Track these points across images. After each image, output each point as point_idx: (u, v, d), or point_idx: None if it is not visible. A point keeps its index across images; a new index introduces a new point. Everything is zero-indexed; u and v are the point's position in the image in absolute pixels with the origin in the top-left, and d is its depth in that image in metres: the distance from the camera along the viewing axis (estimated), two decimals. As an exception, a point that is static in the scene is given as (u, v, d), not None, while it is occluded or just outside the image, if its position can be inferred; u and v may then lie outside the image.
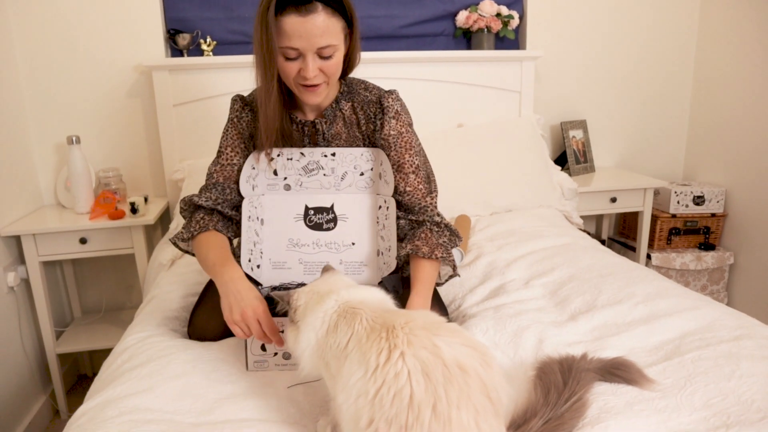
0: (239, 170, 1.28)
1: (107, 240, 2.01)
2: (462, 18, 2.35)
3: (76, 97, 2.18)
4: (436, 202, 1.28)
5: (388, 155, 1.26)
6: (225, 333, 1.28)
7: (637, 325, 1.20)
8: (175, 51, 2.25)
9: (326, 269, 1.05)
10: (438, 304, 1.33)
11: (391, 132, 1.25)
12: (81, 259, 2.31)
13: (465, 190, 2.09)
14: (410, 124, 1.29)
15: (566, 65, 2.57)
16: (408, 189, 1.25)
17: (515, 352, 1.16)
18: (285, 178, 1.29)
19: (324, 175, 1.28)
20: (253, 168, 1.28)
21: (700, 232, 2.56)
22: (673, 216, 2.53)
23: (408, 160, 1.25)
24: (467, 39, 2.46)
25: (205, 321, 1.29)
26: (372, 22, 2.34)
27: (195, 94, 2.16)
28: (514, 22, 2.37)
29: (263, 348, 1.13)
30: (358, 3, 2.30)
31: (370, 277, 1.26)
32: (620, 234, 2.79)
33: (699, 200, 2.52)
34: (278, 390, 1.06)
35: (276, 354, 1.13)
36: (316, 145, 1.30)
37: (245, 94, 1.33)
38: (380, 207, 1.28)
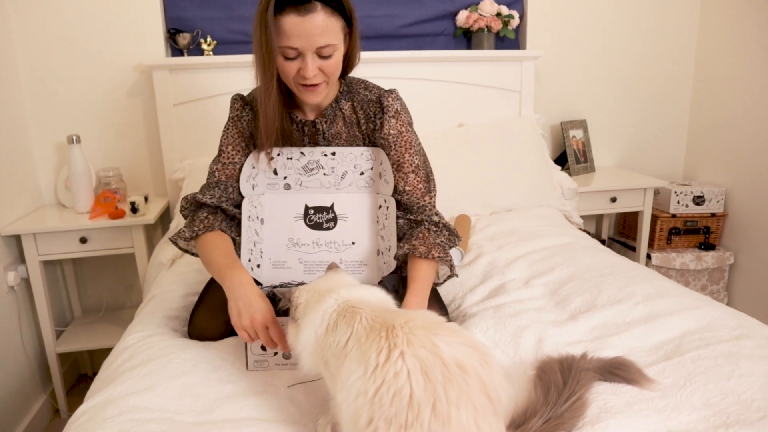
0: (241, 168, 1.28)
1: (107, 239, 2.01)
2: (462, 18, 2.35)
3: (76, 97, 2.18)
4: (434, 202, 1.28)
5: (387, 154, 1.26)
6: (225, 333, 1.28)
7: (637, 325, 1.20)
8: (176, 50, 2.25)
9: (331, 267, 1.05)
10: (438, 303, 1.33)
11: (391, 131, 1.25)
12: (81, 258, 2.31)
13: (465, 190, 2.09)
14: (410, 123, 1.29)
15: (566, 65, 2.57)
16: (407, 188, 1.25)
17: (515, 352, 1.16)
18: (285, 178, 1.29)
19: (324, 174, 1.28)
20: (253, 167, 1.28)
21: (700, 232, 2.56)
22: (673, 216, 2.53)
23: (407, 160, 1.25)
24: (467, 39, 2.46)
25: (205, 320, 1.29)
26: (372, 22, 2.34)
27: (195, 93, 2.16)
28: (515, 22, 2.37)
29: (263, 348, 1.13)
30: (358, 2, 2.30)
31: (370, 276, 1.27)
32: (620, 234, 2.79)
33: (699, 200, 2.52)
34: (278, 389, 1.06)
35: (276, 353, 1.14)
36: (316, 144, 1.30)
37: (245, 93, 1.33)
38: (380, 206, 1.28)
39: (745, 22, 2.42)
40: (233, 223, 1.29)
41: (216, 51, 2.23)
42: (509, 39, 2.46)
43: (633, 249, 2.58)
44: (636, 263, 1.58)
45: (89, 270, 2.35)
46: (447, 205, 2.00)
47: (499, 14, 2.34)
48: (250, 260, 1.25)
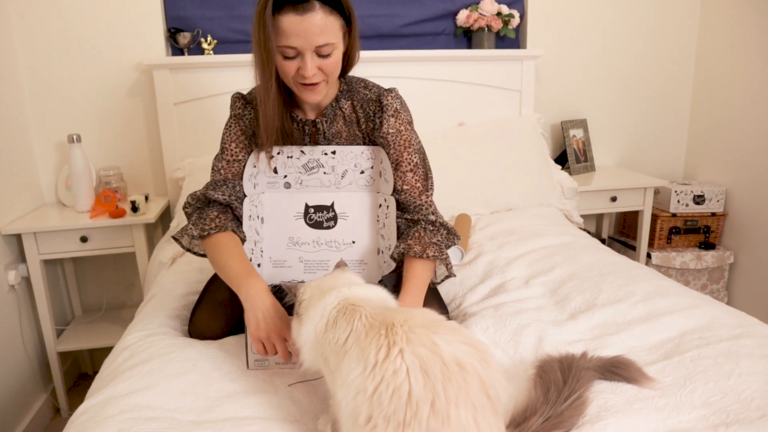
0: (244, 166, 1.28)
1: (108, 238, 2.01)
2: (462, 17, 2.35)
3: (77, 96, 2.18)
4: (432, 201, 1.27)
5: (387, 153, 1.26)
6: (225, 332, 1.28)
7: (637, 324, 1.20)
8: (176, 50, 2.25)
9: (338, 266, 1.06)
10: (438, 302, 1.33)
11: (390, 130, 1.25)
12: (82, 257, 2.31)
13: (465, 189, 2.09)
14: (410, 122, 1.29)
15: (567, 64, 2.57)
16: (405, 187, 1.24)
17: (515, 351, 1.16)
18: (285, 177, 1.29)
19: (324, 173, 1.28)
20: (254, 166, 1.28)
21: (700, 232, 2.56)
22: (674, 215, 2.53)
23: (406, 158, 1.25)
24: (468, 38, 2.46)
25: (205, 320, 1.29)
26: (372, 21, 2.34)
27: (196, 92, 2.17)
28: (515, 21, 2.37)
29: (264, 347, 1.13)
30: (358, 2, 2.30)
31: (370, 275, 1.27)
32: (620, 233, 2.79)
33: (699, 199, 2.52)
34: (279, 388, 1.06)
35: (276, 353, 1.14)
36: (316, 143, 1.30)
37: (245, 92, 1.32)
38: (380, 205, 1.28)
39: (745, 22, 2.42)
40: (239, 222, 1.28)
41: (216, 50, 2.23)
42: (509, 38, 2.46)
43: (633, 248, 2.58)
44: (636, 262, 1.58)
45: (90, 269, 2.35)
46: (447, 204, 2.00)
47: (499, 13, 2.34)
48: (251, 259, 1.25)
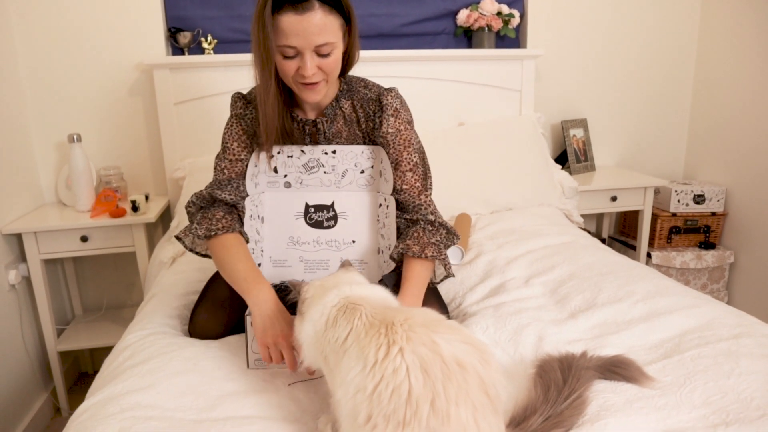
0: (247, 166, 1.28)
1: (108, 238, 2.01)
2: (463, 16, 2.35)
3: (77, 96, 2.18)
4: (431, 200, 1.27)
5: (386, 152, 1.25)
6: (226, 331, 1.28)
7: (637, 323, 1.20)
8: (176, 49, 2.25)
9: (344, 265, 1.06)
10: (438, 302, 1.33)
11: (390, 129, 1.25)
12: (82, 257, 2.31)
13: (465, 189, 2.09)
14: (410, 122, 1.29)
15: (567, 64, 2.57)
16: (404, 187, 1.24)
17: (515, 350, 1.16)
18: (285, 176, 1.29)
19: (324, 172, 1.28)
20: (255, 166, 1.28)
21: (700, 231, 2.56)
22: (674, 215, 2.53)
23: (406, 158, 1.25)
24: (468, 38, 2.46)
25: (205, 319, 1.29)
26: (373, 21, 2.34)
27: (196, 92, 2.17)
28: (515, 21, 2.37)
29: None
30: (358, 1, 2.30)
31: (371, 275, 1.27)
32: (620, 233, 2.79)
33: (699, 199, 2.52)
34: (279, 387, 1.06)
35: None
36: (317, 143, 1.30)
37: (245, 92, 1.32)
38: (380, 205, 1.28)
39: (745, 22, 2.42)
40: (242, 223, 1.28)
41: (216, 50, 2.23)
42: (510, 38, 2.46)
43: (633, 248, 2.58)
44: (636, 262, 1.58)
45: (90, 268, 2.35)
46: (447, 204, 2.01)
47: (499, 13, 2.34)
48: (251, 259, 1.25)
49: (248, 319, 1.13)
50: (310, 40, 1.09)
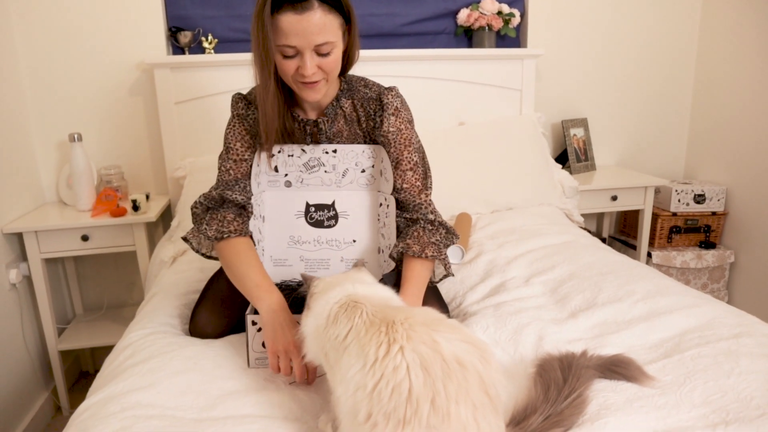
0: (251, 166, 1.28)
1: (109, 237, 2.02)
2: (463, 16, 2.35)
3: (78, 95, 2.19)
4: (431, 200, 1.27)
5: (387, 152, 1.25)
6: (226, 330, 1.29)
7: (637, 323, 1.20)
8: (177, 49, 2.25)
9: (356, 265, 1.07)
10: (438, 301, 1.33)
11: (391, 128, 1.25)
12: (83, 256, 2.31)
13: (466, 188, 2.09)
14: (410, 121, 1.29)
15: (567, 63, 2.57)
16: (405, 186, 1.24)
17: (515, 350, 1.16)
18: (286, 175, 1.29)
19: (325, 171, 1.28)
20: (258, 165, 1.28)
21: (700, 231, 2.56)
22: (674, 214, 2.53)
23: (406, 157, 1.25)
24: (468, 37, 2.46)
25: (206, 318, 1.30)
26: (373, 21, 2.34)
27: (196, 91, 2.17)
28: (515, 20, 2.37)
29: (264, 345, 1.13)
30: (358, 1, 2.30)
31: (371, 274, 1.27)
32: (621, 232, 2.79)
33: (700, 199, 2.52)
34: (280, 386, 1.06)
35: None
36: (317, 143, 1.30)
37: (245, 92, 1.32)
38: (381, 204, 1.28)
39: (745, 22, 2.42)
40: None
41: (217, 49, 2.23)
42: (510, 37, 2.46)
43: (634, 247, 2.58)
44: (636, 261, 1.58)
45: (91, 268, 2.35)
46: (448, 203, 2.01)
47: (500, 12, 2.34)
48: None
49: (249, 318, 1.13)
50: (310, 40, 1.09)
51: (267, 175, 1.29)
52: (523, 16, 2.46)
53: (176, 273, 1.63)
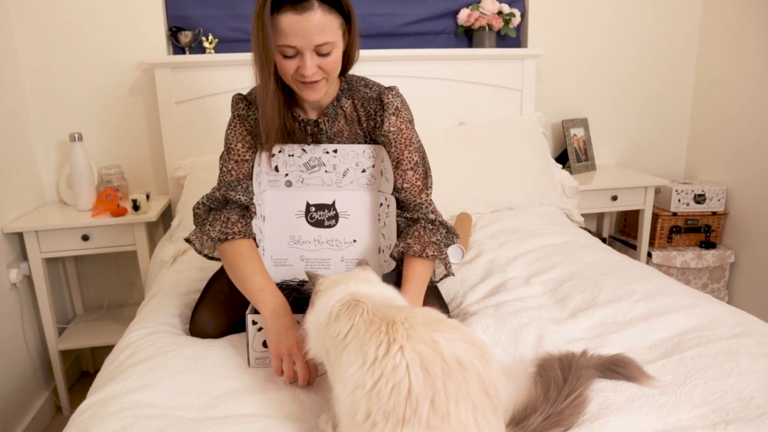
0: (252, 166, 1.28)
1: (109, 237, 2.02)
2: (463, 16, 2.35)
3: (78, 95, 2.19)
4: (431, 199, 1.27)
5: (387, 151, 1.25)
6: (226, 330, 1.29)
7: (637, 323, 1.20)
8: (177, 49, 2.25)
9: (360, 264, 1.07)
10: (438, 301, 1.33)
11: (391, 128, 1.25)
12: (83, 255, 2.31)
13: (466, 188, 2.09)
14: (410, 121, 1.29)
15: (567, 63, 2.57)
16: (405, 186, 1.24)
17: (515, 349, 1.17)
18: (286, 175, 1.29)
19: (325, 171, 1.28)
20: (259, 165, 1.28)
21: (701, 231, 2.56)
22: (674, 214, 2.53)
23: (407, 157, 1.25)
24: (468, 37, 2.46)
25: (206, 318, 1.30)
26: (373, 20, 2.34)
27: (197, 91, 2.17)
28: (516, 20, 2.37)
29: (265, 345, 1.13)
30: (358, 1, 2.30)
31: (371, 274, 1.27)
32: (621, 232, 2.79)
33: (700, 199, 2.52)
34: (280, 386, 1.06)
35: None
36: (318, 143, 1.30)
37: (246, 92, 1.32)
38: (381, 204, 1.28)
39: (745, 22, 2.42)
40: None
41: (217, 49, 2.23)
42: (510, 37, 2.46)
43: (634, 247, 2.58)
44: (637, 261, 1.58)
45: (91, 267, 2.36)
46: (448, 203, 2.01)
47: (500, 12, 2.34)
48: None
49: (249, 317, 1.13)
50: (310, 40, 1.08)
51: (267, 174, 1.29)
52: (523, 16, 2.46)
53: (176, 273, 1.63)
